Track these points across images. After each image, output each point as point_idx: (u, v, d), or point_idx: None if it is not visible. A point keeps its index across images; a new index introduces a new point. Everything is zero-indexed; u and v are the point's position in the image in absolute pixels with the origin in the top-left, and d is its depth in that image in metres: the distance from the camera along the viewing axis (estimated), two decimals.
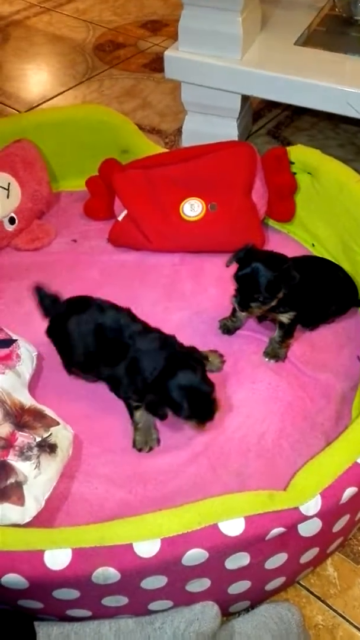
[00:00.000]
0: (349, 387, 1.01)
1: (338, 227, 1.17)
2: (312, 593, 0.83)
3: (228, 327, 1.08)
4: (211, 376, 0.88)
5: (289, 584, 0.83)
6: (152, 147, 1.36)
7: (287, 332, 1.02)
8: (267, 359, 1.04)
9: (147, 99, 1.83)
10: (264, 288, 0.91)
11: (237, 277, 0.93)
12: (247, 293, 0.93)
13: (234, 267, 1.16)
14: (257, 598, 0.81)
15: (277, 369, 1.03)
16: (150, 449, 0.92)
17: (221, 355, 1.03)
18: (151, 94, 1.85)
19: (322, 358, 1.05)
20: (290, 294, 0.94)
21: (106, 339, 0.93)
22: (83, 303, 0.98)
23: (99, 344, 0.94)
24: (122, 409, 0.95)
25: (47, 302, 1.00)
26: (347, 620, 0.81)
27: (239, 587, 0.74)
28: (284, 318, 1.00)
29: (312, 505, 0.69)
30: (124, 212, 1.24)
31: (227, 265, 0.96)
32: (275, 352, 1.04)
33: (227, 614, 0.80)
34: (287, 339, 1.03)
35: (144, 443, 0.93)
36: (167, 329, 1.10)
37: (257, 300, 0.93)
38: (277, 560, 0.73)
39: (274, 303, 0.94)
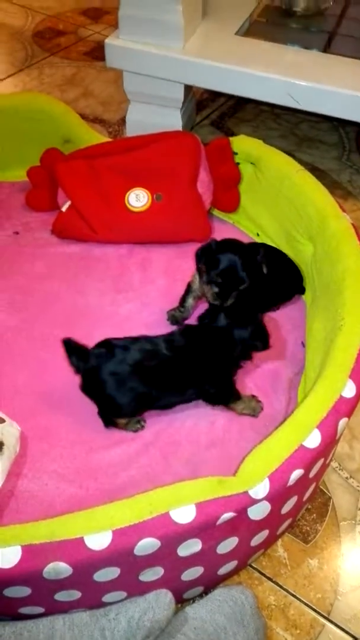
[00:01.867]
0: (295, 373, 1.03)
1: (281, 216, 1.19)
2: (263, 574, 0.86)
3: (176, 318, 1.08)
4: None
5: (241, 567, 0.85)
6: (95, 137, 1.33)
7: None
8: None
9: (89, 88, 1.80)
10: (247, 277, 0.93)
11: (221, 272, 0.94)
12: (229, 285, 0.94)
13: (183, 256, 1.17)
14: (210, 583, 0.82)
15: None
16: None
17: (259, 401, 0.97)
18: (93, 83, 1.82)
19: None
20: (251, 285, 0.95)
21: (153, 369, 0.88)
22: (107, 347, 0.89)
23: (147, 380, 0.88)
24: (69, 404, 0.93)
25: (74, 358, 0.88)
26: (298, 599, 0.84)
27: (192, 573, 0.75)
28: None
29: (260, 489, 0.71)
30: (68, 203, 1.21)
31: (198, 264, 0.98)
32: None
33: (181, 601, 0.81)
34: None
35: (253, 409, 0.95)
36: (115, 321, 1.10)
37: (239, 290, 0.94)
38: (229, 544, 0.74)
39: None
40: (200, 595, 0.81)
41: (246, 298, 0.97)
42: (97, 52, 1.93)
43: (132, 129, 1.52)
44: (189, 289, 1.06)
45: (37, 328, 1.08)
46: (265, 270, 0.96)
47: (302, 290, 1.13)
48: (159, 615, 0.71)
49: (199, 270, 1.00)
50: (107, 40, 1.39)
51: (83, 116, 1.47)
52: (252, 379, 1.01)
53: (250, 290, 0.96)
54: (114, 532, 0.66)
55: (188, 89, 1.47)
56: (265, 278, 0.98)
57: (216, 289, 0.94)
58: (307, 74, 1.30)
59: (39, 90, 1.77)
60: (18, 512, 0.84)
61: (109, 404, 0.90)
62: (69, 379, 0.97)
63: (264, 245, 1.05)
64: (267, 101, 1.38)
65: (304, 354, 1.05)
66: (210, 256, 0.95)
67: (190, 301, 1.06)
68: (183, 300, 1.07)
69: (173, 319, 1.09)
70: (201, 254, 0.97)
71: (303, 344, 1.07)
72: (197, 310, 1.09)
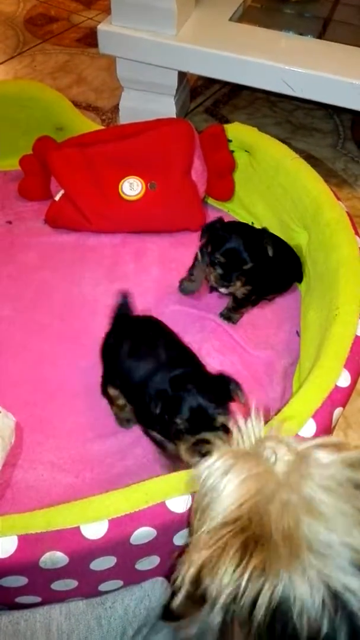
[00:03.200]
0: (289, 363, 1.04)
1: (276, 205, 1.18)
2: None
3: (187, 289, 1.10)
4: None
5: None
6: (88, 125, 1.32)
7: (240, 304, 1.05)
8: (222, 320, 1.08)
9: (82, 75, 1.78)
10: (251, 259, 0.93)
11: (224, 252, 0.93)
12: (232, 265, 0.94)
13: (178, 246, 1.16)
14: None
15: (220, 349, 1.04)
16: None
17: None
18: (86, 70, 1.80)
19: (263, 335, 1.07)
20: (254, 268, 0.95)
21: None
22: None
23: None
24: (64, 395, 0.94)
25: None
26: None
27: None
28: (239, 292, 1.01)
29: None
30: (61, 192, 1.20)
31: (201, 240, 0.98)
32: (229, 316, 1.07)
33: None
34: (241, 309, 1.06)
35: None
36: (109, 312, 1.09)
37: (243, 270, 0.94)
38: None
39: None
40: None
41: (250, 281, 0.97)
42: (89, 39, 1.90)
43: (126, 117, 1.50)
44: (195, 262, 1.07)
45: (31, 318, 1.07)
46: (270, 252, 0.95)
47: (299, 279, 1.13)
48: (155, 603, 0.71)
49: (201, 250, 1.01)
50: (99, 27, 1.37)
51: (76, 103, 1.45)
52: (248, 368, 1.01)
53: (254, 273, 0.96)
54: (110, 522, 0.66)
55: (182, 75, 1.45)
56: (269, 262, 0.97)
57: (220, 271, 0.94)
58: (302, 60, 1.29)
59: (30, 77, 1.74)
60: (14, 502, 0.84)
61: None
62: (64, 369, 0.97)
63: (265, 230, 1.05)
64: (262, 88, 1.37)
65: (299, 344, 1.05)
66: (215, 234, 0.95)
67: (199, 274, 1.07)
68: (191, 272, 1.08)
69: (185, 289, 1.11)
70: (206, 230, 0.97)
71: (298, 334, 1.07)
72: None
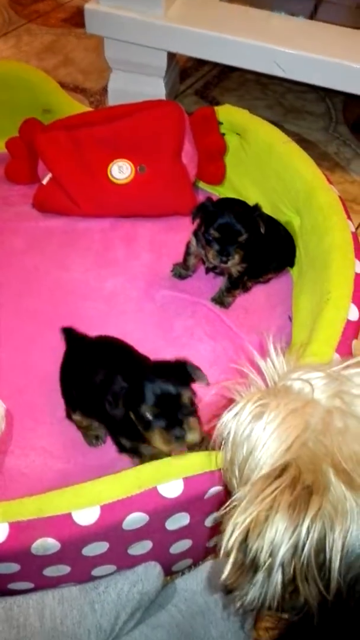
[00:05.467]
0: (282, 347, 1.03)
1: (268, 189, 1.17)
2: None
3: (181, 274, 1.11)
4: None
5: None
6: (76, 106, 1.30)
7: (234, 284, 1.05)
8: (214, 304, 1.07)
9: (69, 56, 1.74)
10: (245, 230, 0.94)
11: (218, 226, 0.94)
12: (228, 238, 0.94)
13: (169, 231, 1.16)
14: (199, 556, 0.82)
15: (212, 334, 1.04)
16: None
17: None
18: (73, 51, 1.76)
19: (256, 320, 1.07)
20: (248, 242, 0.96)
21: None
22: None
23: None
24: (54, 381, 0.92)
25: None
26: None
27: (181, 546, 0.76)
28: (234, 270, 1.01)
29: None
30: (49, 175, 1.18)
31: (193, 221, 0.98)
32: (222, 300, 1.07)
33: (170, 574, 0.81)
34: (234, 290, 1.06)
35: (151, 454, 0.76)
36: (99, 297, 1.08)
37: (238, 243, 0.94)
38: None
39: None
40: (189, 568, 0.82)
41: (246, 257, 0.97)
42: (76, 19, 1.86)
43: (114, 98, 1.48)
44: (188, 250, 1.07)
45: (20, 304, 1.06)
46: (262, 227, 0.96)
47: (292, 263, 1.12)
48: (148, 587, 0.72)
49: (195, 234, 1.01)
50: (86, 6, 1.34)
51: (63, 85, 1.42)
52: (239, 352, 1.01)
53: (250, 246, 0.96)
54: (102, 508, 0.65)
55: (171, 56, 1.42)
56: (259, 239, 0.97)
57: (217, 247, 0.95)
58: (294, 41, 1.27)
59: (16, 58, 1.70)
60: (5, 489, 0.83)
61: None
62: (54, 355, 0.96)
63: (257, 206, 1.05)
64: (253, 70, 1.35)
65: (291, 328, 1.05)
66: (207, 213, 0.96)
67: (192, 260, 1.08)
68: (185, 260, 1.09)
69: (177, 274, 1.11)
70: (197, 211, 0.97)
71: (290, 318, 1.06)
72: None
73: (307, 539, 0.38)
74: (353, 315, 0.86)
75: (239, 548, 0.40)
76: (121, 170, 1.17)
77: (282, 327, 1.06)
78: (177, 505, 0.68)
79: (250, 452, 0.44)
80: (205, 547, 0.81)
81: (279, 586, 0.39)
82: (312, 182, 1.06)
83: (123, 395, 0.72)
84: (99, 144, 1.18)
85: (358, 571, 0.38)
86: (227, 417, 0.47)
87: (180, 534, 0.73)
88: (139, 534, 0.69)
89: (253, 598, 0.41)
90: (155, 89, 1.45)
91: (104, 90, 1.55)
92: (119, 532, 0.67)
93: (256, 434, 0.44)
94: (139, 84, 1.45)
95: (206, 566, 0.78)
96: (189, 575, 0.78)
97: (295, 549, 0.38)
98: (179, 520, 0.70)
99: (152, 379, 0.71)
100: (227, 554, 0.41)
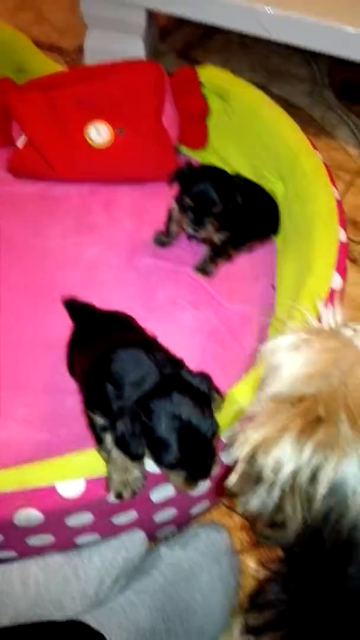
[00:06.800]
0: (265, 316, 1.03)
1: (251, 154, 1.14)
2: (234, 511, 0.87)
3: (162, 242, 1.09)
4: None
5: (213, 505, 0.86)
6: (51, 66, 1.24)
7: (218, 253, 1.04)
8: (197, 273, 1.06)
9: (43, 13, 1.66)
10: (220, 199, 0.92)
11: (192, 195, 0.93)
12: (202, 208, 0.93)
13: (150, 197, 1.13)
14: (183, 522, 0.83)
15: (195, 303, 1.02)
16: (134, 493, 0.64)
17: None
18: (47, 7, 1.68)
19: (239, 289, 1.05)
20: (226, 211, 0.94)
21: None
22: None
23: None
24: (36, 350, 0.91)
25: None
26: None
27: (165, 514, 0.76)
28: (217, 238, 1.00)
29: (228, 433, 0.70)
30: (24, 138, 1.14)
31: (171, 186, 0.96)
32: (205, 268, 1.05)
33: (155, 540, 0.82)
34: (218, 258, 1.04)
35: (122, 485, 0.64)
36: (79, 266, 1.06)
37: (213, 214, 0.93)
38: (202, 487, 0.74)
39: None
40: (174, 534, 0.82)
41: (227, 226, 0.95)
42: None
43: (91, 58, 1.42)
44: (170, 217, 1.05)
45: None
46: (239, 199, 0.94)
47: (276, 230, 1.11)
48: (131, 554, 0.72)
49: (176, 200, 0.99)
50: None
51: (37, 43, 1.36)
52: (223, 322, 1.00)
53: (228, 216, 0.95)
54: (87, 481, 0.65)
55: (150, 14, 1.37)
56: (240, 207, 0.96)
57: (191, 215, 0.94)
58: (279, 0, 1.22)
59: None
60: None
61: None
62: (31, 324, 0.94)
63: (244, 178, 1.02)
64: (236, 30, 1.30)
65: (274, 297, 1.04)
66: (184, 179, 0.94)
67: (174, 227, 1.06)
68: (167, 227, 1.07)
69: (159, 241, 1.09)
70: (174, 176, 0.95)
71: (274, 287, 1.06)
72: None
73: (307, 465, 0.42)
74: (336, 283, 0.86)
75: (247, 460, 0.44)
76: (99, 133, 1.12)
77: (265, 296, 1.05)
78: (161, 477, 0.67)
79: (277, 372, 0.47)
80: (189, 514, 0.81)
81: (276, 501, 0.44)
82: (296, 148, 1.04)
83: (140, 431, 0.59)
84: (75, 105, 1.13)
85: (335, 502, 0.42)
86: (270, 344, 0.50)
87: (165, 504, 0.73)
88: (124, 505, 0.68)
89: (253, 506, 0.46)
90: (134, 48, 1.40)
91: (80, 49, 1.49)
92: (104, 504, 0.66)
93: (288, 361, 0.47)
94: (116, 42, 1.39)
95: (191, 532, 0.78)
96: (173, 541, 0.78)
97: (295, 472, 0.42)
98: (164, 491, 0.70)
99: (173, 413, 0.58)
100: (236, 464, 0.45)
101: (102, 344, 0.71)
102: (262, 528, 0.47)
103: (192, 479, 0.61)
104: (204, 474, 0.60)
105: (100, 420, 0.65)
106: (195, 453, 0.59)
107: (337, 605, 0.47)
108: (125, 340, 0.70)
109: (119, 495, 0.63)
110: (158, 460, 0.60)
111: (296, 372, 0.46)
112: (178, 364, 0.67)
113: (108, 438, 0.64)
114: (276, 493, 0.43)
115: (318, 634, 0.48)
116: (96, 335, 0.78)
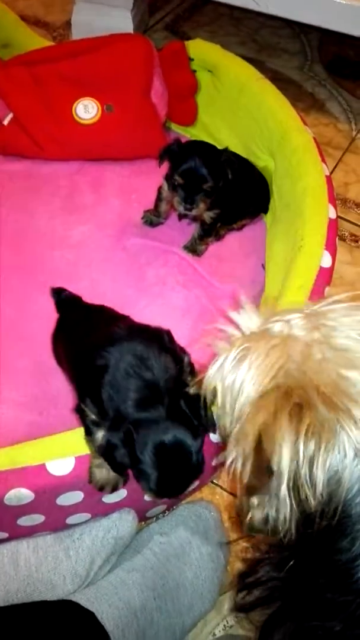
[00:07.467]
0: (254, 295, 1.02)
1: (240, 130, 1.13)
2: (224, 490, 0.88)
3: (152, 221, 1.07)
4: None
5: (203, 484, 0.87)
6: (38, 41, 1.22)
7: (207, 231, 1.02)
8: (186, 253, 1.05)
9: None
10: (210, 175, 0.90)
11: (181, 172, 0.91)
12: (192, 185, 0.91)
13: (139, 175, 1.11)
14: (173, 502, 0.83)
15: (185, 283, 1.01)
16: (114, 489, 0.65)
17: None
18: None
19: (229, 268, 1.05)
20: (216, 187, 0.93)
21: None
22: None
23: None
24: (23, 330, 0.90)
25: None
26: None
27: None
28: (207, 216, 0.98)
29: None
30: (10, 115, 1.11)
31: (160, 164, 0.94)
32: (194, 248, 1.04)
33: (145, 519, 0.82)
34: (207, 237, 1.03)
35: (105, 480, 0.64)
36: (67, 246, 1.04)
37: (204, 191, 0.91)
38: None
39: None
40: (164, 513, 0.83)
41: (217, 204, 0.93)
42: None
43: (78, 32, 1.39)
44: (160, 196, 1.03)
45: None
46: (230, 175, 0.93)
47: (266, 208, 1.10)
48: (122, 532, 0.72)
49: (166, 178, 0.97)
50: None
51: (23, 18, 1.33)
52: (212, 301, 0.99)
53: (218, 193, 0.93)
54: (77, 459, 0.65)
55: None
56: (231, 184, 0.94)
57: (182, 193, 0.92)
58: None
59: None
60: None
61: None
62: (20, 305, 0.93)
63: (233, 153, 1.01)
64: (226, 2, 1.27)
65: (264, 276, 1.03)
66: (173, 156, 0.92)
67: (164, 207, 1.04)
68: (157, 206, 1.05)
69: (149, 221, 1.07)
70: (163, 154, 0.93)
71: (263, 266, 1.05)
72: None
73: (304, 453, 0.41)
74: (326, 262, 0.85)
75: (256, 450, 0.43)
76: (87, 110, 1.10)
77: (255, 275, 1.04)
78: None
79: (238, 390, 0.46)
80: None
81: (283, 499, 0.43)
82: (286, 123, 1.03)
83: (126, 452, 0.59)
84: (62, 81, 1.11)
85: (334, 488, 0.42)
86: (212, 369, 0.48)
87: None
88: None
89: (258, 520, 0.46)
90: (122, 22, 1.37)
91: (67, 24, 1.46)
92: None
93: (242, 373, 0.46)
94: (104, 17, 1.36)
95: (181, 510, 0.79)
96: (164, 519, 0.79)
97: (293, 460, 0.42)
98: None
99: (161, 449, 0.58)
100: (245, 460, 0.44)
101: (97, 337, 0.69)
102: (252, 524, 0.47)
103: (168, 498, 0.63)
104: (180, 493, 0.62)
105: (91, 415, 0.64)
106: (175, 487, 0.61)
107: (329, 578, 0.47)
108: (124, 338, 0.66)
109: (101, 488, 0.64)
110: (138, 481, 0.61)
111: (255, 377, 0.45)
112: (179, 363, 0.66)
113: (99, 434, 0.63)
114: (283, 489, 0.42)
115: (310, 607, 0.49)
116: (87, 328, 0.76)
